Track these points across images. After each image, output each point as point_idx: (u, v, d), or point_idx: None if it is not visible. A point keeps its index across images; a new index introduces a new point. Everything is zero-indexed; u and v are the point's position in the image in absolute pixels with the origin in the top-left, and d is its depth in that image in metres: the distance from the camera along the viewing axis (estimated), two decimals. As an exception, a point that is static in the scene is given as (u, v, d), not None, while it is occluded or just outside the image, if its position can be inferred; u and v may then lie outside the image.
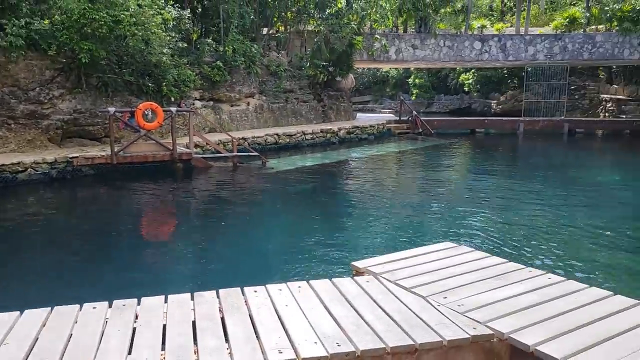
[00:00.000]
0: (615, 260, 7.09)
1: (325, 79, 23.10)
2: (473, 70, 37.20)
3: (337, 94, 24.75)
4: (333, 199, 11.57)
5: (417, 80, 41.69)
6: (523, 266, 4.17)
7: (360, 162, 17.42)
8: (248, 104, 20.25)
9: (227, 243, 8.14)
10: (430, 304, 3.44)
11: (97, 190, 12.40)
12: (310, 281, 3.81)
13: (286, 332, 3.01)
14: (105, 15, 13.11)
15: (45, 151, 13.42)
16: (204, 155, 14.96)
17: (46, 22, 13.66)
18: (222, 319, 3.20)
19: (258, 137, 18.06)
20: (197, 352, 2.80)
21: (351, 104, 27.46)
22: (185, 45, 17.01)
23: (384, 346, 2.86)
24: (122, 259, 7.35)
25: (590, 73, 33.49)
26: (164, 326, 3.09)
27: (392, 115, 30.27)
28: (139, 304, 3.39)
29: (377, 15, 24.50)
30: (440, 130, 25.41)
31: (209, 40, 18.73)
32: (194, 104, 17.66)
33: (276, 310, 3.31)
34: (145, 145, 13.66)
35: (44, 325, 3.08)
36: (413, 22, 28.95)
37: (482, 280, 3.83)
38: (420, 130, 24.90)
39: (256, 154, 15.47)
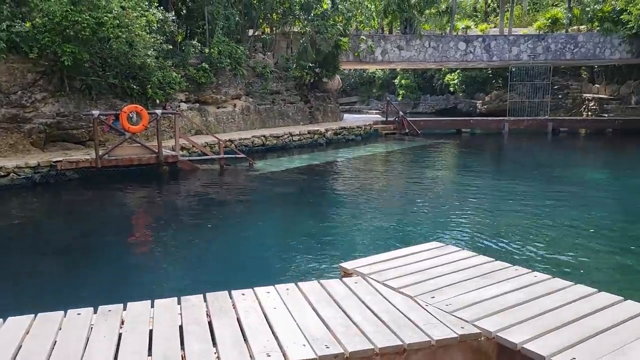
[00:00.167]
0: (599, 257, 7.18)
1: (311, 80, 23.11)
2: (458, 71, 37.48)
3: (323, 95, 24.76)
4: (321, 200, 11.57)
5: (403, 81, 41.89)
6: (509, 265, 4.20)
7: (347, 163, 17.45)
8: (234, 105, 20.17)
9: (214, 246, 8.10)
10: (418, 304, 3.45)
11: (82, 195, 12.24)
12: (299, 283, 3.79)
13: (274, 335, 2.99)
14: (88, 17, 12.97)
15: (28, 155, 13.24)
16: (190, 158, 14.88)
17: (27, 24, 13.48)
18: (210, 323, 3.17)
19: (245, 139, 18.00)
20: (184, 356, 2.77)
21: (338, 105, 27.49)
22: (170, 47, 16.89)
23: (372, 347, 2.86)
24: (108, 264, 7.27)
25: (573, 73, 33.94)
26: (151, 331, 3.05)
27: (378, 116, 30.40)
28: (124, 309, 3.34)
29: (363, 17, 24.56)
30: (426, 130, 25.55)
31: (194, 42, 18.62)
32: (179, 106, 17.55)
33: (264, 313, 3.29)
34: (131, 148, 13.55)
35: (27, 333, 3.02)
36: (398, 23, 29.09)
37: (469, 279, 3.85)
38: (407, 130, 25.02)
39: (243, 156, 15.42)
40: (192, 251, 7.86)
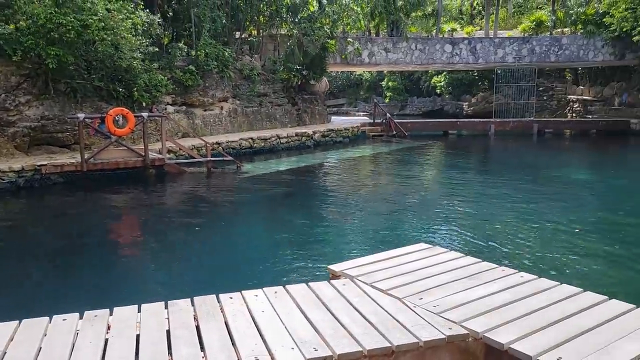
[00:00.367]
0: (584, 257, 7.26)
1: (299, 83, 23.12)
2: (445, 73, 37.75)
3: (311, 98, 24.78)
4: (308, 203, 11.57)
5: (390, 83, 42.08)
6: (496, 265, 4.23)
7: (335, 165, 17.47)
8: (221, 108, 20.10)
9: (202, 249, 8.05)
10: (407, 305, 3.46)
11: (67, 199, 12.10)
12: (287, 286, 3.79)
13: (262, 338, 2.99)
14: (72, 20, 12.84)
15: (11, 159, 13.06)
16: (177, 161, 14.79)
17: (11, 27, 13.32)
18: (197, 327, 3.16)
19: (232, 141, 17.94)
20: (172, 361, 2.76)
21: (325, 107, 27.54)
22: (157, 49, 16.78)
23: (360, 349, 2.86)
24: (94, 269, 7.19)
25: (557, 75, 34.37)
26: (138, 336, 3.03)
27: (366, 118, 30.47)
28: (111, 314, 3.31)
29: (349, 19, 24.65)
30: (413, 132, 25.68)
31: (181, 45, 18.54)
32: (166, 109, 17.45)
33: (252, 317, 3.28)
34: (117, 151, 13.43)
35: (11, 339, 2.98)
36: (385, 26, 29.24)
37: (456, 280, 3.87)
38: (394, 132, 25.13)
39: (230, 158, 15.37)
40: (179, 255, 7.81)
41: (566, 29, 28.67)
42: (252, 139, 18.84)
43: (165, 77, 17.00)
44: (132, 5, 15.26)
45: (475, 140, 25.58)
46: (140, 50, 15.26)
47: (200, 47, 18.48)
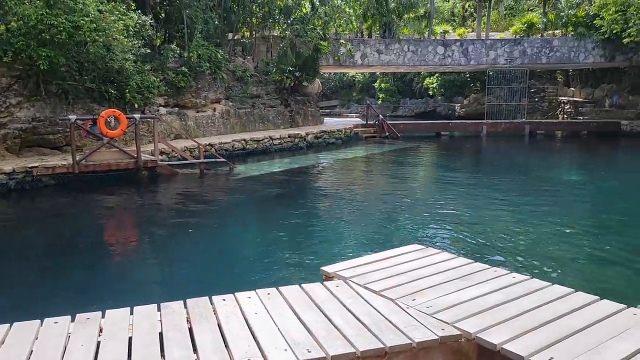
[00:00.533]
0: (575, 257, 7.31)
1: (291, 84, 23.12)
2: (437, 75, 37.90)
3: (304, 99, 24.78)
4: (301, 204, 11.56)
5: (382, 85, 42.20)
6: (488, 266, 4.25)
7: (328, 166, 17.48)
8: (214, 109, 20.06)
9: (195, 251, 8.03)
10: (400, 306, 3.47)
11: (58, 201, 12.02)
12: (280, 287, 3.78)
13: (256, 340, 2.98)
14: (64, 21, 12.77)
15: (2, 161, 12.95)
16: (170, 163, 14.74)
17: (2, 27, 13.22)
18: (190, 329, 3.14)
19: (225, 143, 17.90)
20: (165, 364, 2.75)
21: (318, 108, 27.55)
22: (149, 51, 16.73)
23: (354, 350, 2.86)
24: (86, 271, 7.15)
25: (548, 76, 34.63)
26: (130, 339, 3.01)
27: (359, 119, 30.51)
28: (103, 316, 3.29)
29: (341, 21, 24.70)
30: (406, 133, 25.76)
31: (173, 46, 18.49)
32: (158, 110, 17.38)
33: (245, 319, 3.27)
34: (109, 153, 13.36)
35: (2, 343, 2.96)
36: (377, 28, 29.33)
37: (449, 281, 3.89)
38: (387, 134, 25.18)
39: (223, 160, 15.34)
40: (171, 257, 7.78)
41: (557, 31, 28.89)
42: (244, 140, 18.81)
43: (158, 79, 16.95)
44: (124, 7, 15.20)
45: (467, 142, 25.69)
46: (132, 51, 15.21)
47: (193, 48, 18.44)
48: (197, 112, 19.39)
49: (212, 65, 19.17)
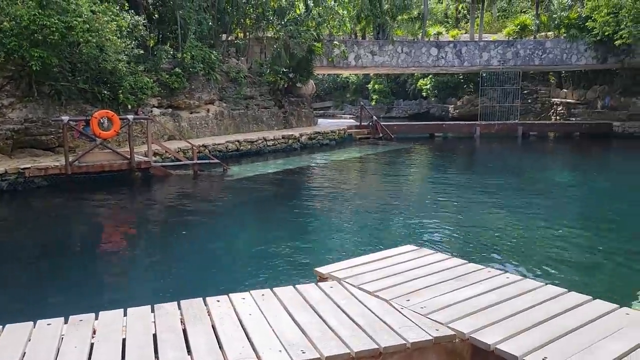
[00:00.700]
0: (568, 257, 7.35)
1: (285, 85, 23.10)
2: (430, 76, 38.01)
3: (297, 100, 24.78)
4: (295, 205, 11.56)
5: (376, 86, 42.27)
6: (482, 267, 4.26)
7: (322, 167, 17.48)
8: (208, 110, 20.01)
9: (189, 253, 8.00)
10: (394, 307, 3.47)
11: (51, 202, 11.95)
12: (274, 288, 3.78)
13: (250, 341, 2.98)
14: (56, 21, 12.70)
15: (-6, 162, 12.87)
16: (163, 164, 14.69)
17: (-6, 28, 13.14)
18: (184, 330, 3.13)
19: (219, 144, 17.87)
20: (159, 365, 2.74)
21: (312, 109, 27.55)
22: (142, 52, 16.67)
23: (348, 351, 2.86)
24: (79, 273, 7.11)
25: (541, 78, 34.83)
26: (124, 340, 3.00)
27: (352, 120, 30.56)
28: (96, 318, 3.28)
29: (335, 22, 24.72)
30: (400, 134, 25.81)
31: (167, 47, 18.43)
32: (152, 111, 17.32)
33: (239, 320, 3.27)
34: (102, 154, 13.31)
35: (-6, 345, 2.94)
36: (371, 29, 29.37)
37: (443, 281, 3.90)
38: (381, 135, 25.22)
39: (217, 161, 15.31)
40: (165, 258, 7.76)
41: (550, 33, 29.06)
42: (238, 141, 18.78)
43: (151, 80, 16.90)
44: (117, 7, 15.15)
45: (460, 143, 25.78)
46: (126, 52, 15.16)
47: (186, 49, 18.40)
48: (191, 113, 19.35)
49: (205, 66, 19.14)
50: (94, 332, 3.10)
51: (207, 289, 5.73)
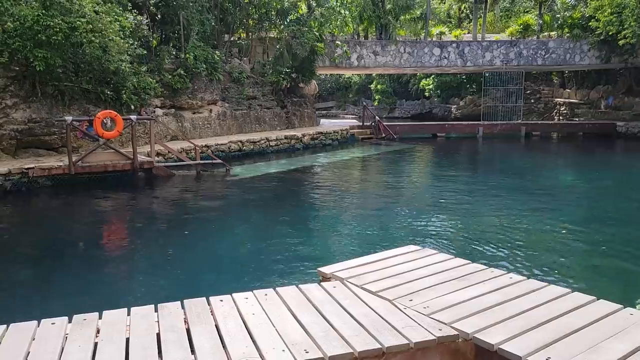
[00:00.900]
0: (572, 258, 7.33)
1: (288, 85, 23.12)
2: (433, 76, 37.97)
3: (300, 100, 24.80)
4: (298, 205, 11.56)
5: (379, 86, 42.25)
6: (485, 267, 4.25)
7: (324, 167, 17.48)
8: (210, 111, 20.04)
9: (192, 252, 8.01)
10: (397, 307, 3.47)
11: (55, 202, 11.99)
12: (277, 288, 3.78)
13: (253, 341, 2.98)
14: (60, 22, 12.74)
15: (-2, 162, 12.92)
16: (166, 164, 14.71)
17: (-2, 28, 13.20)
18: (188, 330, 3.14)
19: (221, 144, 17.89)
20: (162, 365, 2.74)
21: (314, 110, 27.57)
22: (145, 52, 16.70)
23: (351, 351, 2.86)
24: (83, 272, 7.13)
25: (544, 78, 34.78)
26: (127, 340, 3.01)
27: (355, 120, 30.55)
28: (100, 317, 3.29)
29: (337, 22, 24.73)
30: (402, 134, 25.80)
31: (169, 48, 18.46)
32: (154, 111, 17.36)
33: (243, 319, 3.27)
34: (105, 154, 13.33)
35: (-1, 344, 2.95)
36: (374, 29, 29.37)
37: (446, 281, 3.89)
38: (384, 135, 25.21)
39: (220, 161, 15.32)
40: (168, 258, 7.77)
41: (553, 33, 29.00)
42: (241, 141, 18.80)
43: (154, 80, 16.92)
44: (120, 8, 15.18)
45: (463, 143, 25.74)
46: (129, 52, 15.18)
47: (189, 49, 18.43)
48: (194, 113, 19.39)
49: (208, 67, 19.16)
50: (98, 332, 3.11)
51: (210, 289, 5.74)
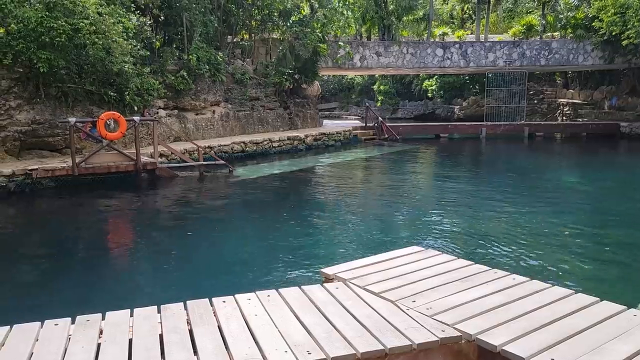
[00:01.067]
0: (575, 259, 7.31)
1: (291, 87, 23.13)
2: (436, 77, 37.94)
3: (303, 101, 24.80)
4: (301, 206, 11.56)
5: (381, 87, 42.22)
6: (488, 268, 4.25)
7: (327, 168, 17.48)
8: (213, 112, 20.07)
9: (194, 253, 8.02)
10: (400, 308, 3.47)
11: (58, 203, 12.02)
12: (280, 289, 3.78)
13: (256, 342, 2.98)
14: (63, 23, 12.78)
15: (2, 164, 12.95)
16: (169, 165, 14.73)
17: (2, 30, 13.24)
18: (191, 331, 3.15)
19: (224, 145, 17.91)
20: (165, 366, 2.75)
21: (317, 111, 27.57)
22: (148, 53, 16.74)
23: (354, 352, 2.86)
24: (86, 273, 7.14)
25: (547, 78, 34.70)
26: (130, 341, 3.02)
27: (358, 121, 30.53)
28: (103, 318, 3.30)
29: (340, 23, 24.74)
30: (405, 135, 25.76)
31: (172, 49, 18.50)
32: (157, 113, 17.39)
33: (245, 320, 3.27)
34: (108, 155, 13.36)
35: (2, 345, 2.96)
36: (377, 30, 29.36)
37: (449, 283, 3.89)
38: (386, 136, 25.20)
39: (223, 162, 15.34)
40: (171, 259, 7.78)
41: (556, 33, 28.94)
42: (244, 142, 18.81)
43: (157, 81, 16.96)
44: (124, 9, 15.22)
45: (467, 144, 25.70)
46: (132, 54, 15.22)
47: (192, 51, 18.46)
48: (197, 114, 19.42)
49: (211, 68, 19.20)
50: (101, 333, 3.12)
51: (213, 290, 5.74)
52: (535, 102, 34.00)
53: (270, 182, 14.42)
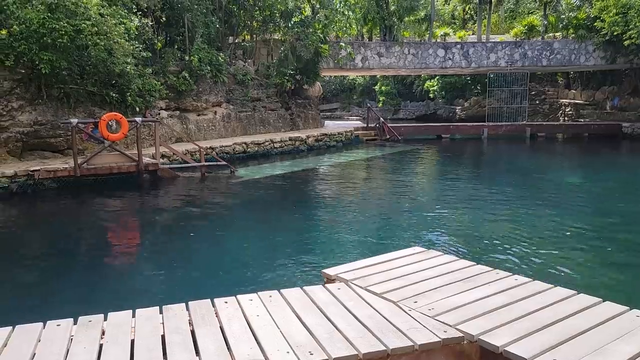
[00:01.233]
0: (577, 259, 7.30)
1: (292, 87, 23.13)
2: (437, 77, 37.91)
3: (304, 102, 24.81)
4: (303, 207, 11.56)
5: (383, 88, 42.20)
6: (490, 268, 4.24)
7: (329, 169, 17.48)
8: (215, 113, 20.09)
9: (196, 254, 8.03)
10: (401, 308, 3.47)
11: (60, 204, 12.04)
12: (282, 290, 3.79)
13: (258, 342, 2.98)
14: (65, 24, 12.80)
15: (4, 165, 12.98)
16: (171, 166, 14.75)
17: (4, 32, 13.26)
18: (192, 331, 3.15)
19: (226, 146, 17.92)
20: (167, 366, 2.75)
21: (319, 111, 27.57)
22: (150, 54, 16.76)
23: (356, 353, 2.86)
24: (88, 274, 7.15)
25: (549, 79, 34.65)
26: (132, 341, 3.02)
27: (359, 122, 30.52)
28: (105, 319, 3.30)
29: (341, 24, 24.74)
30: (407, 136, 25.75)
31: (174, 50, 18.53)
32: (159, 113, 17.41)
33: (247, 321, 3.27)
34: (110, 156, 13.38)
35: (5, 345, 2.96)
36: (378, 31, 29.35)
37: (451, 283, 3.89)
38: (388, 136, 25.19)
39: (224, 163, 15.35)
40: (173, 259, 7.78)
41: (558, 34, 28.91)
42: (245, 143, 18.82)
43: (159, 82, 16.98)
44: (125, 10, 15.24)
45: (468, 144, 25.68)
46: (134, 55, 15.24)
47: (194, 52, 18.48)
48: (198, 115, 19.44)
49: (213, 69, 19.21)
50: (103, 333, 3.12)
51: (215, 290, 5.74)
52: (537, 102, 33.96)
53: (272, 182, 14.43)
